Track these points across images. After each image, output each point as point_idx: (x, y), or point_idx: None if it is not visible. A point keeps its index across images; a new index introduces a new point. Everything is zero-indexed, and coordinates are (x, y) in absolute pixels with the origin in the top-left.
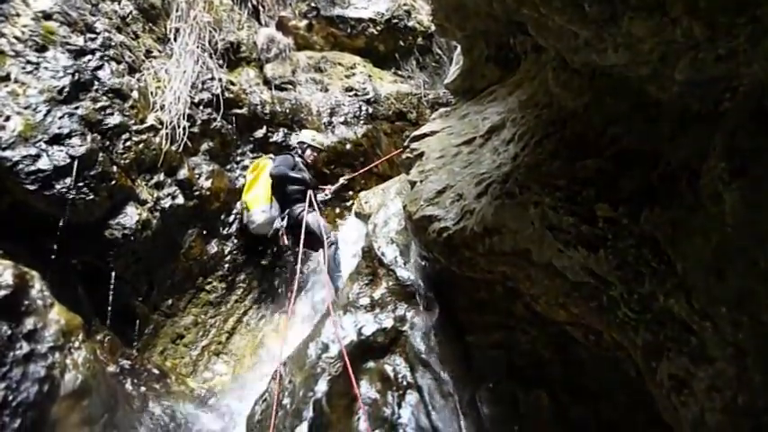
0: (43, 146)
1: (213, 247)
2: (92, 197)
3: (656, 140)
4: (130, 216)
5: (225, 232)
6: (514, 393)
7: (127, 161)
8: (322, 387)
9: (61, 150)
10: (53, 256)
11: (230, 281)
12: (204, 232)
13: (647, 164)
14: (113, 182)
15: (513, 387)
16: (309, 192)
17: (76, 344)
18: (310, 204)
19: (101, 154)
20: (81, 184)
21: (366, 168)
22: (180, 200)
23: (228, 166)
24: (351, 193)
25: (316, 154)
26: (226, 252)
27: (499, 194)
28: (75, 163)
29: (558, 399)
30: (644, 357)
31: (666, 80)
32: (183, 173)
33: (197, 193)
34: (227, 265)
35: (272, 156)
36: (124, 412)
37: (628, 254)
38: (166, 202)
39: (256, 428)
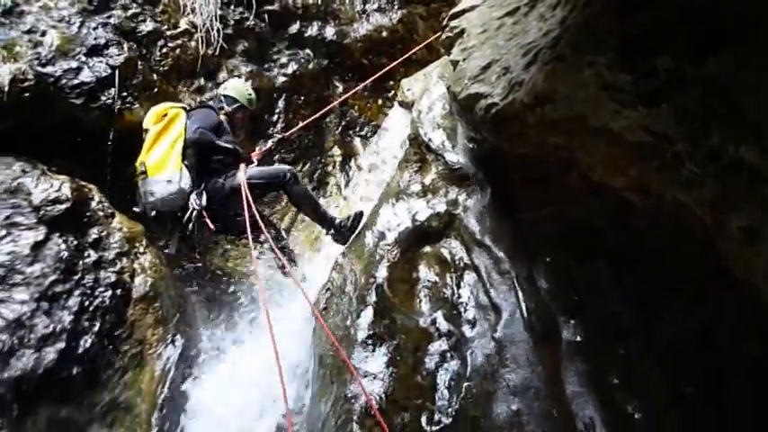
0: (83, 58)
1: (261, 147)
2: (137, 106)
3: None
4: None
5: (270, 131)
6: (571, 265)
7: (166, 68)
8: (382, 273)
9: (101, 61)
10: (107, 169)
11: None
12: (250, 133)
13: (711, 8)
14: (155, 89)
15: (569, 259)
16: (242, 166)
17: (141, 249)
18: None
19: (139, 62)
20: (125, 93)
21: (403, 57)
22: None
23: (266, 66)
24: (392, 82)
25: (246, 115)
26: (273, 151)
27: (549, 60)
28: (116, 73)
29: (616, 268)
30: (712, 212)
31: None
32: (222, 76)
33: None
34: (272, 140)
35: (186, 106)
36: (193, 310)
37: (692, 106)
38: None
39: (321, 316)
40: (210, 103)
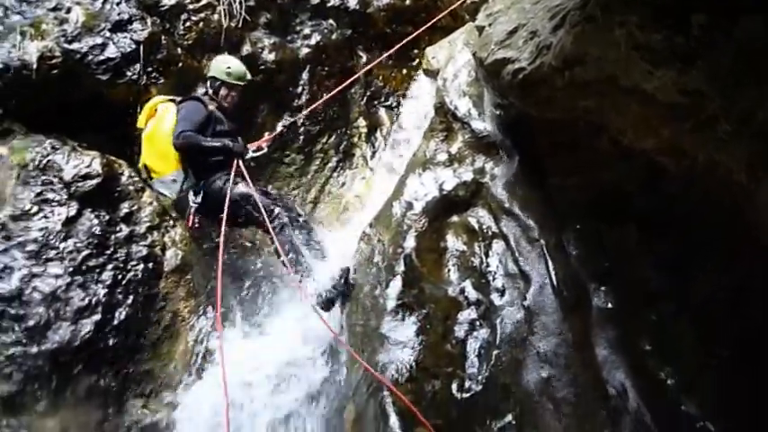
0: (107, 34)
1: (286, 121)
2: (162, 81)
3: None
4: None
5: (295, 104)
6: (601, 232)
7: (189, 42)
8: (410, 243)
9: (125, 37)
10: (136, 144)
11: (307, 152)
12: (275, 106)
13: None
14: (180, 64)
15: (600, 225)
16: (238, 162)
17: (171, 222)
18: (237, 175)
19: (163, 37)
20: (150, 69)
21: (428, 25)
22: (247, 75)
23: (289, 37)
24: (416, 51)
25: (234, 93)
26: (299, 123)
27: (578, 21)
28: (141, 48)
29: (646, 233)
30: (748, 171)
31: None
32: (245, 48)
33: (262, 67)
34: (302, 137)
35: (172, 98)
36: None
37: (727, 64)
38: None
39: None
40: (199, 93)
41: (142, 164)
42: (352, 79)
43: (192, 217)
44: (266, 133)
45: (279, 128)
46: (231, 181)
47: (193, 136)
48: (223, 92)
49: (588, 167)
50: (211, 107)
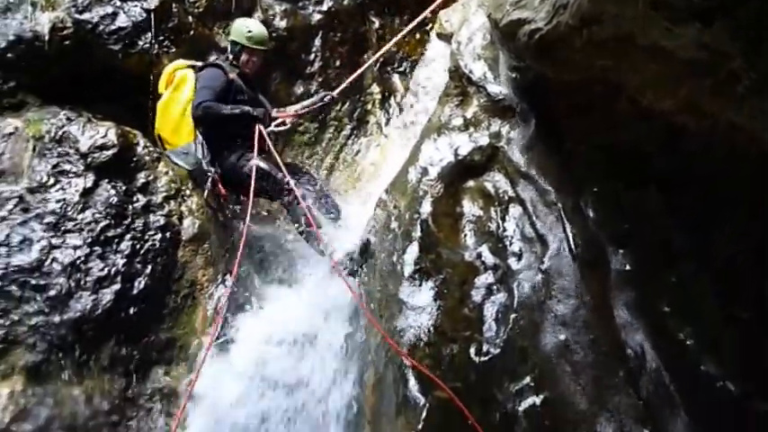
0: (118, 3)
1: (299, 88)
2: (174, 50)
3: None
4: None
5: (308, 71)
6: (619, 194)
7: (200, 9)
8: (426, 208)
9: (136, 5)
10: (150, 114)
11: (321, 120)
12: (288, 74)
13: None
14: (191, 32)
15: (618, 187)
16: (258, 127)
17: (187, 192)
18: (260, 144)
19: (174, 5)
20: (161, 37)
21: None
22: None
23: (300, 4)
24: (430, 15)
25: (255, 59)
26: (312, 91)
27: None
28: (152, 16)
29: (667, 193)
30: None
31: None
32: (257, 16)
33: (274, 34)
34: (319, 100)
35: (192, 64)
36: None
37: (750, 21)
38: None
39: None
40: (220, 59)
41: (157, 133)
42: (382, 51)
43: (219, 187)
44: (292, 108)
45: (314, 99)
46: (255, 150)
47: (213, 105)
48: (244, 57)
49: (606, 129)
50: (232, 75)
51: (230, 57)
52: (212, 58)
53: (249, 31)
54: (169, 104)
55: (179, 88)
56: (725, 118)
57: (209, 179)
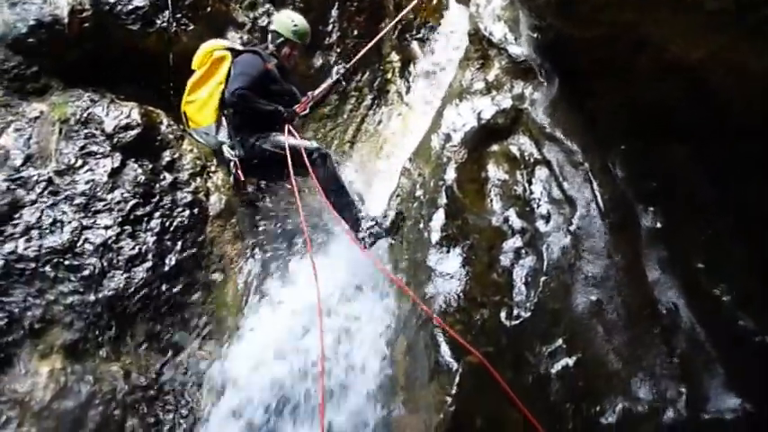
0: None
1: (318, 60)
2: (192, 27)
3: None
4: (233, 41)
5: (326, 42)
6: (648, 151)
7: None
8: (451, 175)
9: None
10: (171, 93)
11: (341, 91)
12: (306, 47)
13: None
14: (208, 9)
15: (646, 145)
16: (287, 126)
17: (212, 168)
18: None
19: None
20: (179, 15)
21: None
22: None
23: None
24: None
25: (296, 53)
26: (331, 63)
27: None
28: None
29: (696, 147)
30: None
31: None
32: None
33: (291, 6)
34: (335, 76)
35: (231, 47)
36: (268, 224)
37: None
38: (263, 21)
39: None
40: (260, 47)
41: (182, 110)
42: (397, 19)
43: (239, 172)
44: (310, 94)
45: (333, 77)
46: (286, 132)
47: (249, 96)
48: (286, 50)
49: (631, 86)
50: (270, 65)
51: (271, 47)
52: (250, 47)
53: (295, 25)
54: (200, 83)
55: (216, 69)
56: (752, 68)
57: (231, 162)
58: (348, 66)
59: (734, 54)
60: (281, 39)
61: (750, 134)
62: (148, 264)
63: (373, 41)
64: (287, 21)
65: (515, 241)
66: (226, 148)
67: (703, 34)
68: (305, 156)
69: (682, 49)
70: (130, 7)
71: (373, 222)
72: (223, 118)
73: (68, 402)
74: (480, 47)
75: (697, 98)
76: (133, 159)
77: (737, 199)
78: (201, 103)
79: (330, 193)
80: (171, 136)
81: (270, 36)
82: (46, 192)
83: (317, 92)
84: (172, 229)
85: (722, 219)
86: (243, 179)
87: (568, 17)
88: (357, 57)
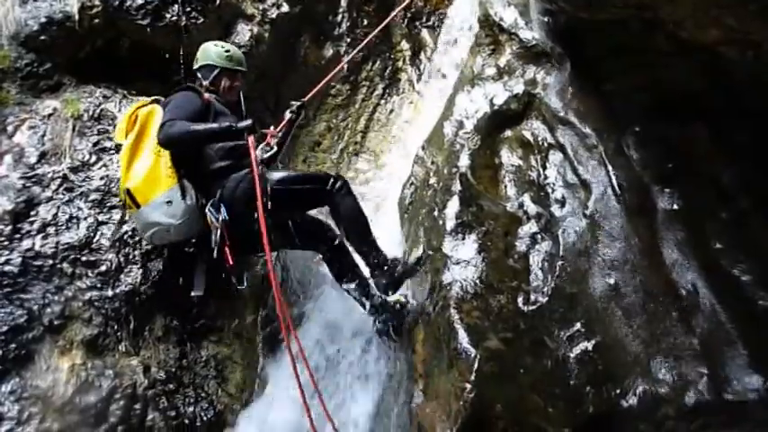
0: None
1: (329, 50)
2: (202, 20)
3: None
4: (243, 33)
5: (336, 33)
6: (664, 133)
7: None
8: (464, 161)
9: None
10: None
11: (353, 81)
12: (316, 37)
13: None
14: (218, 1)
15: (662, 127)
16: (250, 138)
17: None
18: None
19: None
20: (188, 9)
21: None
22: (285, 8)
23: None
24: None
25: (237, 83)
26: (341, 53)
27: None
28: None
29: (714, 129)
30: None
31: None
32: None
33: None
34: (345, 66)
35: (159, 98)
36: None
37: None
38: (273, 13)
39: (408, 211)
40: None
41: (122, 190)
42: (400, 9)
43: (227, 250)
44: (272, 127)
45: (287, 115)
46: (252, 146)
47: (181, 123)
48: (225, 82)
49: (645, 67)
50: (209, 97)
51: (205, 83)
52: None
53: (227, 51)
54: (135, 150)
55: (147, 125)
56: None
57: (217, 230)
58: (305, 99)
59: (748, 34)
60: (216, 70)
61: None
62: (163, 256)
63: (370, 36)
64: (216, 49)
65: (531, 226)
66: (209, 214)
67: (718, 12)
68: (324, 184)
69: (698, 28)
70: (140, 2)
71: (397, 263)
72: (183, 180)
73: (90, 397)
74: (491, 32)
75: (715, 78)
76: None
77: (756, 179)
78: (150, 170)
79: (354, 230)
80: None
81: (200, 75)
82: (61, 188)
83: (277, 129)
84: None
85: (741, 199)
86: (231, 262)
87: (580, 0)
88: (353, 55)
